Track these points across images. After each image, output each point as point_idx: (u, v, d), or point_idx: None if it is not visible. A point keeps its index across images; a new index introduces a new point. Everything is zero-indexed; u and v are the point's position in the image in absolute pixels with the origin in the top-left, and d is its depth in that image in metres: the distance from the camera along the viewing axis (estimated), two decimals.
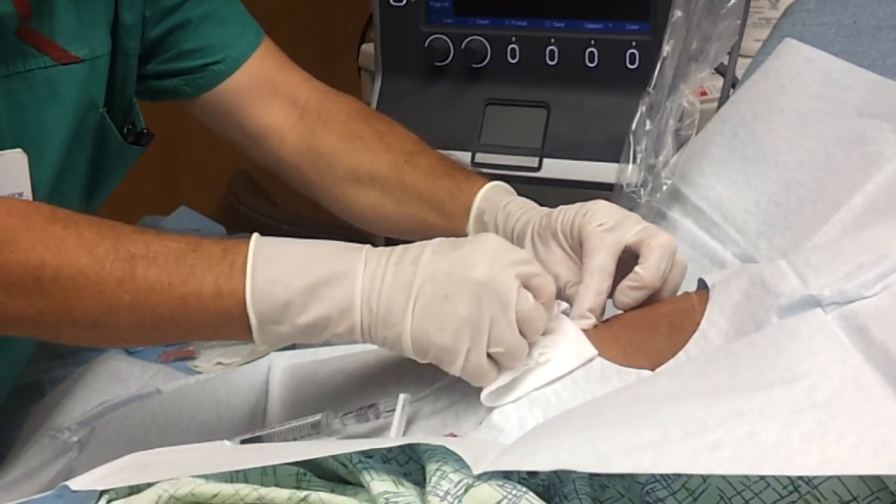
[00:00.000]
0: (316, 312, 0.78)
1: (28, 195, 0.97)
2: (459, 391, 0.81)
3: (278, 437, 0.83)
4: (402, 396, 0.81)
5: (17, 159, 0.97)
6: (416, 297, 0.76)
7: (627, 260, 0.89)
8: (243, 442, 0.83)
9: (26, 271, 0.79)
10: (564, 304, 0.84)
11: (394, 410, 0.80)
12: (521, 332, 0.77)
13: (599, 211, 0.91)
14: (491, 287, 0.76)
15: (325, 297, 0.78)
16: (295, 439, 0.83)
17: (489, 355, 0.77)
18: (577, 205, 0.93)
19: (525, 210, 0.99)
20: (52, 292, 0.79)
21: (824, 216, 0.97)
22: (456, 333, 0.76)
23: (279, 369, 0.96)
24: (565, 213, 0.93)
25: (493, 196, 1.03)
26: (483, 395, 0.77)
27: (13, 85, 0.98)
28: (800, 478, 0.60)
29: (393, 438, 0.72)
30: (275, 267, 0.78)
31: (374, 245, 0.82)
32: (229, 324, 0.80)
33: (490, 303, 0.76)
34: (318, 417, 0.83)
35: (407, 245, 0.80)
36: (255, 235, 0.80)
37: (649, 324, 0.84)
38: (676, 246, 0.89)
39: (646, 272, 0.87)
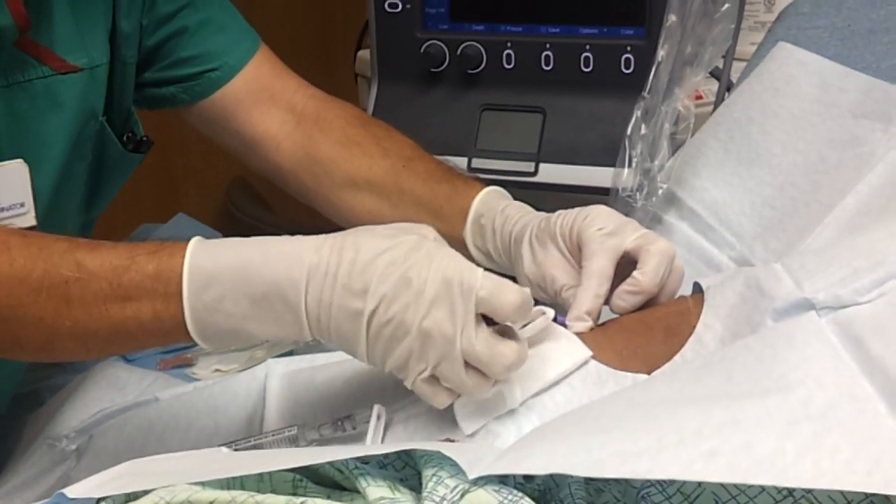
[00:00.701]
0: (263, 334, 0.77)
1: (29, 205, 0.98)
2: None
3: (257, 444, 0.83)
4: (376, 407, 0.81)
5: (17, 170, 0.97)
6: (367, 331, 0.75)
7: (625, 265, 0.89)
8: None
9: None
10: (550, 311, 0.82)
11: (368, 421, 0.80)
12: (480, 370, 0.75)
13: (599, 216, 0.91)
14: (436, 332, 0.74)
15: (269, 320, 0.76)
16: (273, 445, 0.83)
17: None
18: (577, 209, 0.93)
19: (523, 214, 1.00)
20: None
21: (818, 217, 0.97)
22: (405, 366, 0.75)
23: (276, 376, 0.96)
24: (564, 217, 0.93)
25: (490, 200, 1.04)
26: (460, 421, 0.77)
27: (13, 95, 0.98)
28: None
29: (389, 444, 0.72)
30: (212, 291, 0.76)
31: None
32: (176, 339, 0.79)
33: (434, 347, 0.74)
34: (293, 431, 0.83)
35: (357, 252, 0.75)
36: (191, 246, 0.77)
37: (645, 327, 0.84)
38: (675, 253, 0.89)
39: (644, 277, 0.87)
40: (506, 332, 0.76)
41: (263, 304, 0.76)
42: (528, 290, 0.76)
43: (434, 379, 0.76)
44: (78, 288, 0.77)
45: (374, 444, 0.78)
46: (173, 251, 0.78)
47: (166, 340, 0.80)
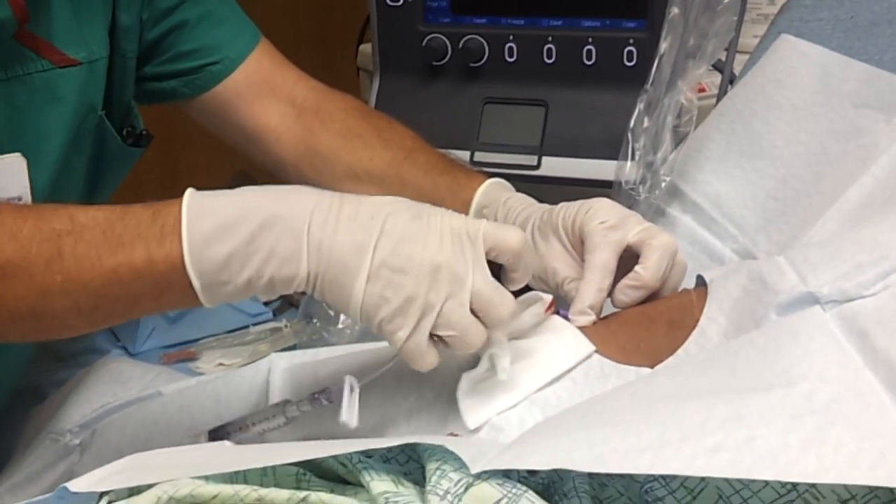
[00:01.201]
0: (259, 262, 0.74)
1: (27, 199, 0.97)
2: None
3: (242, 425, 0.83)
4: (347, 378, 0.78)
5: (15, 163, 0.97)
6: (371, 264, 0.73)
7: (627, 259, 0.89)
8: (211, 432, 0.83)
9: None
10: (547, 296, 0.82)
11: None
12: (479, 318, 0.75)
13: (602, 209, 0.91)
14: (446, 268, 0.73)
15: (265, 250, 0.73)
16: (256, 424, 0.82)
17: (439, 338, 0.75)
18: (580, 202, 0.93)
19: (525, 206, 0.99)
20: None
21: (821, 209, 0.97)
22: (403, 309, 0.73)
23: (279, 370, 0.96)
24: (567, 210, 0.93)
25: (492, 192, 1.04)
26: (464, 415, 0.76)
27: (11, 89, 0.98)
28: None
29: (392, 438, 0.72)
30: (208, 221, 0.74)
31: None
32: (170, 290, 0.76)
33: (444, 283, 0.73)
34: (277, 404, 0.82)
35: (360, 198, 0.75)
36: (189, 191, 0.76)
37: (648, 321, 0.84)
38: (677, 247, 0.89)
39: (646, 272, 0.87)
40: None
41: (263, 232, 0.73)
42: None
43: (432, 339, 0.75)
44: (70, 240, 0.75)
45: (384, 438, 0.78)
46: (170, 201, 0.76)
47: (161, 292, 0.76)
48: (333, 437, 0.78)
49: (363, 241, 0.73)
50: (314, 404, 0.81)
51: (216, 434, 0.84)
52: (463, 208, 1.04)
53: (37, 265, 0.75)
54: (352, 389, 0.78)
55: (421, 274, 0.73)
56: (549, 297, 0.82)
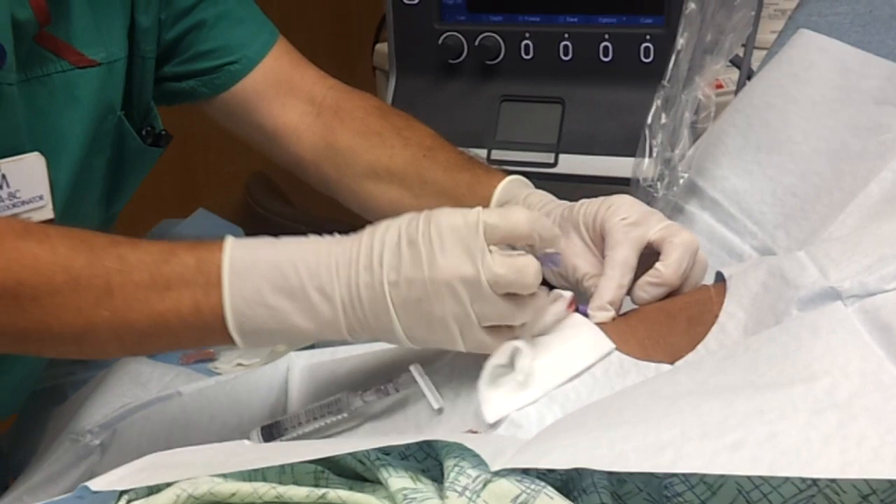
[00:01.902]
0: (299, 327, 0.78)
1: (47, 198, 0.98)
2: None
3: (300, 420, 0.83)
4: (413, 367, 0.81)
5: (36, 163, 0.98)
6: (392, 304, 0.76)
7: (647, 257, 0.88)
8: (263, 429, 0.84)
9: (4, 291, 0.78)
10: (567, 294, 0.83)
11: (413, 382, 0.81)
12: (510, 294, 0.76)
13: (623, 205, 0.91)
14: (455, 277, 0.75)
15: (306, 311, 0.77)
16: (316, 419, 0.83)
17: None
18: (601, 198, 0.92)
19: (545, 202, 0.99)
20: (31, 311, 0.78)
21: (841, 205, 0.96)
22: (443, 328, 0.76)
23: (298, 369, 0.96)
24: (588, 206, 0.93)
25: (512, 189, 1.03)
26: (483, 410, 0.76)
27: (31, 89, 0.98)
28: None
29: (410, 436, 0.72)
30: (250, 283, 0.77)
31: None
32: (211, 335, 0.80)
33: (462, 291, 0.75)
34: (337, 397, 0.83)
35: (370, 236, 0.78)
36: (228, 242, 0.79)
37: (667, 317, 0.84)
38: (698, 245, 0.88)
39: (667, 269, 0.86)
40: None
41: (300, 294, 0.77)
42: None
43: (485, 329, 0.77)
44: (120, 278, 0.78)
45: (401, 435, 0.78)
46: (211, 247, 0.79)
47: (202, 336, 0.80)
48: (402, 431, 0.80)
49: (378, 282, 0.76)
50: (381, 395, 0.82)
51: (269, 431, 0.84)
52: (483, 205, 1.03)
53: (86, 299, 0.78)
54: (421, 375, 0.81)
55: (436, 294, 0.75)
56: (569, 295, 0.82)
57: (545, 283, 0.84)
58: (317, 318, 0.78)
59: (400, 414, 0.82)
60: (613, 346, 0.80)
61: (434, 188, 1.09)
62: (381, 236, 0.78)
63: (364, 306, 0.77)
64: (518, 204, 1.01)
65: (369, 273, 0.77)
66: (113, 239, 0.81)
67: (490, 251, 0.76)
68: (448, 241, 0.75)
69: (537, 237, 0.77)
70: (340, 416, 0.83)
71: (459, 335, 0.77)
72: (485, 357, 0.78)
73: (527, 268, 0.76)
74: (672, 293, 0.87)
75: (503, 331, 0.78)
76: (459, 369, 0.81)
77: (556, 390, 0.77)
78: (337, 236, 0.80)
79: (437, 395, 0.80)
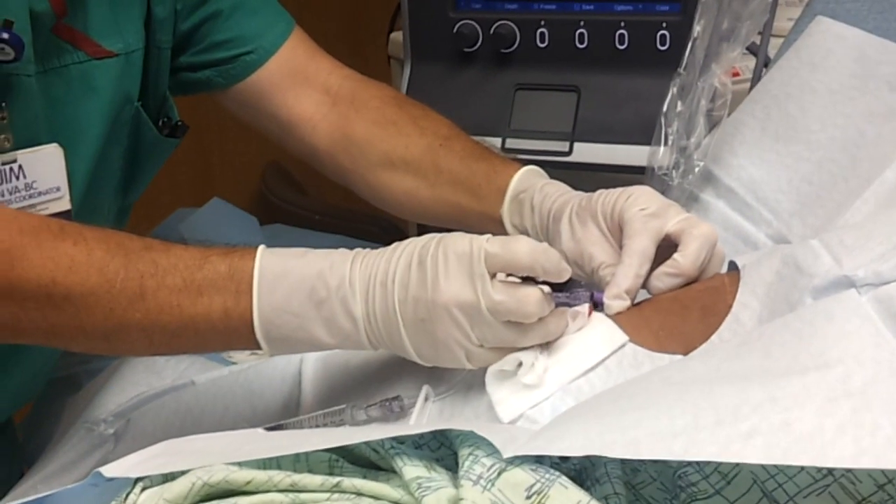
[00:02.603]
0: (322, 338, 0.80)
1: (65, 189, 0.98)
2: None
3: (302, 426, 0.84)
4: (424, 388, 0.82)
5: (54, 154, 0.98)
6: (402, 321, 0.78)
7: (664, 249, 0.88)
8: (267, 430, 0.84)
9: (38, 289, 0.79)
10: (584, 308, 0.83)
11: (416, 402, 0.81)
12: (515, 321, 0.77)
13: (642, 196, 0.90)
14: (454, 303, 0.76)
15: (330, 323, 0.79)
16: (318, 426, 0.83)
17: None
18: (619, 189, 0.92)
19: (562, 192, 0.99)
20: (64, 308, 0.80)
21: (857, 192, 0.96)
22: (447, 348, 0.78)
23: (311, 360, 0.96)
24: (607, 196, 0.93)
25: (529, 178, 1.03)
26: (498, 410, 0.77)
27: (49, 80, 0.99)
28: None
29: (424, 425, 0.72)
30: (279, 293, 0.79)
31: (406, 232, 0.83)
32: (238, 340, 0.82)
33: (462, 316, 0.76)
34: (342, 407, 0.83)
35: (391, 252, 0.80)
36: (260, 252, 0.81)
37: (681, 307, 0.84)
38: (717, 237, 0.88)
39: (685, 260, 0.86)
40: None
41: (325, 307, 0.79)
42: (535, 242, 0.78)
43: (491, 350, 0.78)
44: (153, 282, 0.80)
45: (411, 425, 0.78)
46: (244, 254, 0.81)
47: (230, 340, 0.82)
48: None
49: (389, 300, 0.78)
50: (384, 411, 0.83)
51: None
52: (499, 195, 1.04)
53: (119, 301, 0.80)
54: (426, 398, 0.82)
55: (439, 318, 0.77)
56: (586, 307, 0.83)
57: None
58: (340, 331, 0.79)
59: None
60: (627, 338, 0.80)
61: (450, 177, 1.09)
62: (399, 254, 0.79)
63: (378, 322, 0.79)
64: (534, 195, 1.01)
65: (383, 289, 0.78)
66: (147, 243, 0.83)
67: (495, 278, 0.77)
68: (452, 265, 0.77)
69: (540, 269, 0.78)
70: (343, 426, 0.83)
71: (464, 356, 0.78)
72: None
73: (527, 297, 0.77)
74: (688, 284, 0.87)
75: (509, 350, 0.78)
76: (478, 384, 0.81)
77: (569, 384, 0.77)
78: (364, 251, 0.81)
79: (422, 421, 0.81)
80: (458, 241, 0.78)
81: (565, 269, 0.79)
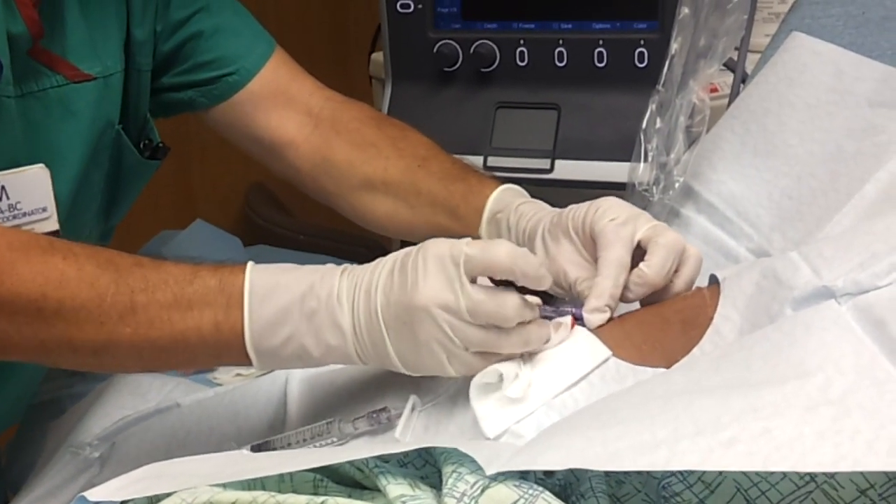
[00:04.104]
0: (311, 351, 0.80)
1: (52, 210, 0.98)
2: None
3: (289, 442, 0.84)
4: (412, 398, 0.82)
5: (39, 175, 0.98)
6: (385, 327, 0.78)
7: (637, 257, 0.89)
8: (254, 448, 0.84)
9: (29, 303, 0.79)
10: (566, 319, 0.83)
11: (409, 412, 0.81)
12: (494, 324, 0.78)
13: (611, 207, 0.91)
14: (434, 304, 0.76)
15: (318, 333, 0.80)
16: (306, 441, 0.83)
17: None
18: (588, 202, 0.93)
19: (537, 210, 1.00)
20: (54, 323, 0.80)
21: (837, 207, 0.97)
22: (429, 351, 0.78)
23: (296, 379, 0.96)
24: (576, 211, 0.93)
25: (505, 198, 1.04)
26: (483, 426, 0.76)
27: (27, 104, 0.98)
28: None
29: (407, 443, 0.72)
30: (270, 306, 0.80)
31: (390, 251, 0.83)
32: (228, 354, 0.82)
33: (442, 317, 0.77)
34: (329, 421, 0.83)
35: (375, 264, 0.81)
36: (249, 266, 0.82)
37: (662, 321, 0.84)
38: (683, 245, 0.89)
39: (650, 270, 0.87)
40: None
41: (315, 319, 0.79)
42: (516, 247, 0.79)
43: (473, 354, 0.78)
44: (143, 297, 0.80)
45: (396, 442, 0.78)
46: (233, 269, 0.82)
47: (220, 355, 0.82)
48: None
49: (372, 306, 0.79)
50: (371, 423, 0.83)
51: (258, 450, 0.84)
52: (476, 215, 1.04)
53: (109, 315, 0.80)
54: (413, 408, 0.82)
55: (420, 320, 0.77)
56: (569, 320, 0.83)
57: (546, 294, 0.84)
58: (328, 343, 0.80)
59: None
60: (610, 352, 0.80)
61: (429, 199, 1.09)
62: (383, 264, 0.80)
63: (363, 330, 0.79)
64: (510, 215, 1.01)
65: (367, 297, 0.79)
66: (137, 259, 0.83)
67: (475, 282, 0.77)
68: (431, 268, 0.77)
69: (519, 272, 0.78)
70: (330, 440, 0.83)
71: (446, 360, 0.78)
72: None
73: (506, 300, 0.77)
74: (664, 291, 0.88)
75: (491, 356, 0.79)
76: (463, 399, 0.81)
77: (553, 399, 0.77)
78: (352, 265, 0.82)
79: (408, 431, 0.81)
80: (439, 245, 0.79)
81: (544, 275, 0.80)
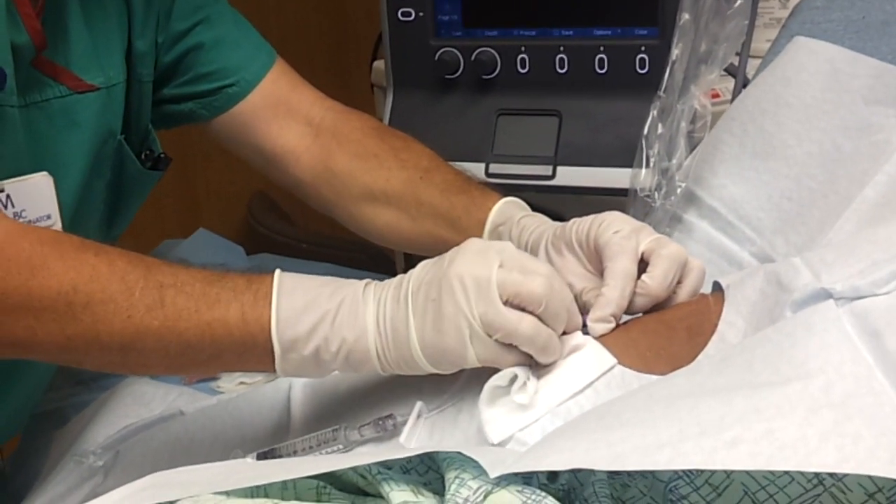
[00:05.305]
0: (336, 339, 0.80)
1: (56, 217, 0.99)
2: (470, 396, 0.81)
3: (295, 449, 0.84)
4: (418, 404, 0.82)
5: (43, 183, 0.98)
6: (411, 307, 0.79)
7: (639, 269, 0.89)
8: (259, 456, 0.84)
9: (59, 296, 0.80)
10: (585, 339, 0.83)
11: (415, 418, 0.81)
12: (523, 309, 0.78)
13: (615, 220, 0.91)
14: (468, 275, 0.77)
15: (343, 324, 0.80)
16: (312, 448, 0.83)
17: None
18: (591, 216, 0.93)
19: (539, 223, 1.00)
20: (83, 318, 0.80)
21: (837, 209, 0.96)
22: (454, 329, 0.78)
23: (300, 387, 0.96)
24: (580, 224, 0.93)
25: (507, 211, 1.04)
26: (487, 432, 0.77)
27: (30, 114, 0.99)
28: None
29: (410, 448, 0.72)
30: (297, 297, 0.81)
31: (393, 260, 0.84)
32: (252, 350, 0.81)
33: (471, 290, 0.77)
34: (335, 428, 0.83)
35: (408, 273, 0.82)
36: (278, 270, 0.83)
37: (667, 328, 0.84)
38: (685, 257, 0.89)
39: (652, 282, 0.87)
40: None
41: (341, 310, 0.80)
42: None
43: (493, 341, 0.78)
44: (173, 291, 0.81)
45: (399, 448, 0.78)
46: (262, 273, 0.83)
47: (244, 350, 0.82)
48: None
49: (403, 297, 0.80)
50: (378, 430, 0.83)
51: (264, 458, 0.84)
52: (478, 228, 1.04)
53: (138, 308, 0.81)
54: (419, 415, 0.82)
55: (449, 290, 0.78)
56: (583, 338, 0.83)
57: None
58: (352, 329, 0.80)
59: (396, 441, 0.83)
60: (615, 360, 0.80)
61: (430, 210, 1.09)
62: (418, 274, 0.82)
63: (387, 318, 0.80)
64: (512, 228, 1.02)
65: (398, 289, 0.81)
66: (166, 261, 0.85)
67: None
68: (469, 252, 0.80)
69: (556, 309, 0.80)
70: (336, 447, 0.83)
71: (468, 338, 0.77)
72: None
73: (521, 322, 0.78)
74: (666, 301, 0.88)
75: (510, 350, 0.78)
76: (467, 407, 0.81)
77: (559, 407, 0.77)
78: (355, 284, 0.84)
79: (413, 437, 0.81)
80: (477, 243, 0.81)
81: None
